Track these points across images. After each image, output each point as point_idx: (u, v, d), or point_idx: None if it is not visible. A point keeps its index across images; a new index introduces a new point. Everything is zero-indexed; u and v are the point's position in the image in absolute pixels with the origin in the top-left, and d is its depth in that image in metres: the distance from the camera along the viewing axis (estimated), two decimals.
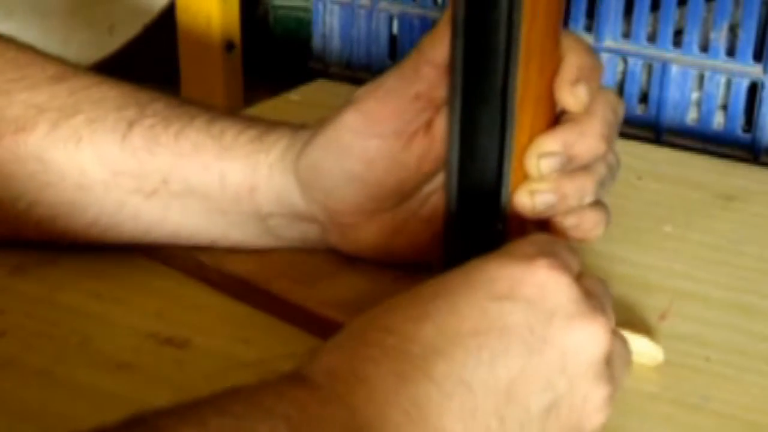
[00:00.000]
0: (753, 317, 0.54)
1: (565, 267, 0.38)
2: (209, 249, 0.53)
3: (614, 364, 0.40)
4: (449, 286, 0.38)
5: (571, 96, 0.44)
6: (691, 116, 0.85)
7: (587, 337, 0.37)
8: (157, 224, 0.52)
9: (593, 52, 0.46)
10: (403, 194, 0.50)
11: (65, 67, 0.53)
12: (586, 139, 0.45)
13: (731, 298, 0.55)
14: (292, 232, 0.52)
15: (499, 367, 0.36)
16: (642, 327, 0.51)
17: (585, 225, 0.47)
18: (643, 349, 0.49)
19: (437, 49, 0.46)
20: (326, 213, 0.50)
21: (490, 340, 0.36)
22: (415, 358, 0.35)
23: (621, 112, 0.47)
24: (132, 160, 0.51)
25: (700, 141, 0.83)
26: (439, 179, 0.50)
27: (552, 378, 0.37)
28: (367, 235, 0.51)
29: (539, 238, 0.42)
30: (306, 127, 0.51)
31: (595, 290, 0.40)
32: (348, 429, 0.34)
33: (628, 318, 0.52)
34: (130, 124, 0.51)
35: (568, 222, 0.46)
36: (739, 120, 0.83)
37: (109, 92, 0.52)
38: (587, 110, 0.45)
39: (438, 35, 0.46)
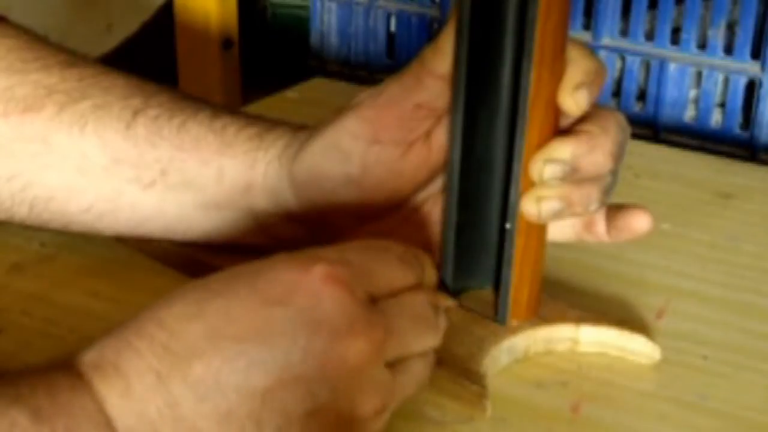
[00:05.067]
0: (750, 315, 0.54)
1: (343, 278, 0.38)
2: (208, 248, 0.53)
3: (399, 378, 0.39)
4: (232, 285, 0.38)
5: (572, 100, 0.44)
6: (689, 114, 0.85)
7: (351, 351, 0.37)
8: (152, 215, 0.52)
9: (596, 56, 0.46)
10: (397, 201, 0.50)
11: (75, 55, 0.54)
12: (595, 154, 0.45)
13: (729, 296, 0.55)
14: (283, 232, 0.52)
15: (254, 375, 0.36)
16: (639, 325, 0.51)
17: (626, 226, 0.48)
18: (640, 347, 0.49)
19: (439, 61, 0.46)
20: (318, 215, 0.50)
21: (250, 347, 0.36)
22: (175, 358, 0.36)
23: (629, 134, 0.48)
24: (134, 149, 0.51)
25: (698, 139, 0.84)
26: (433, 187, 0.50)
27: (312, 387, 0.36)
28: (358, 239, 0.51)
29: (354, 244, 0.41)
30: (306, 127, 0.51)
31: (391, 310, 0.39)
32: (94, 421, 0.34)
33: (625, 316, 0.52)
34: (135, 114, 0.51)
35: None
36: (737, 118, 0.83)
37: (116, 81, 0.53)
38: (602, 128, 0.46)
39: (440, 46, 0.46)
